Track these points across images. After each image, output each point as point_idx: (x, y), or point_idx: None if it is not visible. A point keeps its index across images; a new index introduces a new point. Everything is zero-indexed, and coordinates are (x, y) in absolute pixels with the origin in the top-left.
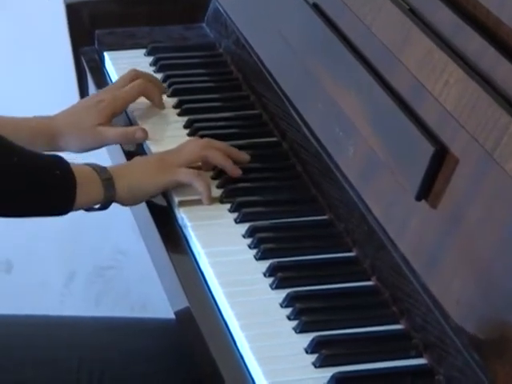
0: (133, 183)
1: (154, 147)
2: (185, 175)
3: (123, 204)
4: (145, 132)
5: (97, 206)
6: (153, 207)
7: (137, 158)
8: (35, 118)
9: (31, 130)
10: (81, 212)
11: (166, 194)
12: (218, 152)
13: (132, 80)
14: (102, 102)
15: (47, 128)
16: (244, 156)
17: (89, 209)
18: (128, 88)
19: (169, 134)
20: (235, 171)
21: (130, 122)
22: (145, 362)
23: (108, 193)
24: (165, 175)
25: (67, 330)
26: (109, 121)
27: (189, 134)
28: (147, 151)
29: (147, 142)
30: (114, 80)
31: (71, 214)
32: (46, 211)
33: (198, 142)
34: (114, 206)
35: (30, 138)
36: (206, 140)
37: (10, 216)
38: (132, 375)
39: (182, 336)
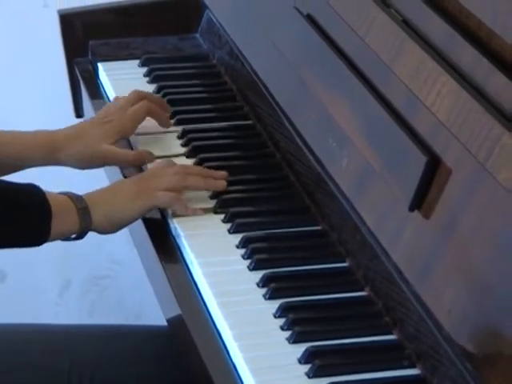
0: (110, 210)
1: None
2: (164, 199)
3: (101, 232)
4: (151, 156)
5: (73, 236)
6: (146, 217)
7: (114, 183)
8: (36, 130)
9: (29, 140)
10: None
11: None
12: (197, 177)
13: (136, 101)
14: (110, 121)
15: (48, 140)
16: (221, 173)
17: (65, 238)
18: (135, 108)
19: (163, 144)
20: (220, 185)
21: None
22: (135, 367)
23: (84, 222)
24: (143, 200)
25: (59, 336)
26: (115, 141)
27: (182, 145)
28: (143, 168)
29: (140, 148)
30: (108, 91)
31: None
32: (20, 243)
33: (175, 170)
34: None
35: (27, 149)
36: (182, 167)
37: None
38: (122, 379)
39: (174, 343)
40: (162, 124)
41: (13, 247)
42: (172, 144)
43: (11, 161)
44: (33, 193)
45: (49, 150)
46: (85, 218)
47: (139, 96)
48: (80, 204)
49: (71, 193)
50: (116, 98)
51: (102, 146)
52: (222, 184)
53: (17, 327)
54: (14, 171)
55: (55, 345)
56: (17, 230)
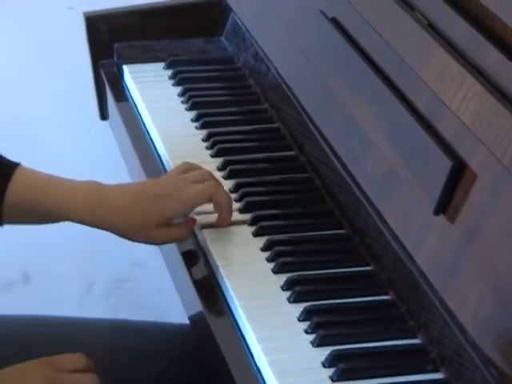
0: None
1: (172, 162)
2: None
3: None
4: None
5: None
6: None
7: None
8: (81, 181)
9: (73, 189)
10: None
11: None
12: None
13: (201, 178)
14: (167, 198)
15: (95, 195)
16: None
17: None
18: (198, 191)
19: (188, 148)
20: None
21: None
22: (155, 363)
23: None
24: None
25: (78, 331)
26: (168, 224)
27: (207, 147)
28: (165, 164)
29: (166, 153)
30: (133, 93)
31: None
32: None
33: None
34: None
35: (69, 201)
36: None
37: None
38: (137, 374)
39: (192, 341)
40: (221, 220)
41: None
42: (198, 147)
43: (46, 211)
44: None
45: (93, 208)
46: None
47: (204, 175)
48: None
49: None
50: (182, 166)
51: (153, 230)
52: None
53: (37, 319)
54: (47, 223)
55: (70, 341)
56: None
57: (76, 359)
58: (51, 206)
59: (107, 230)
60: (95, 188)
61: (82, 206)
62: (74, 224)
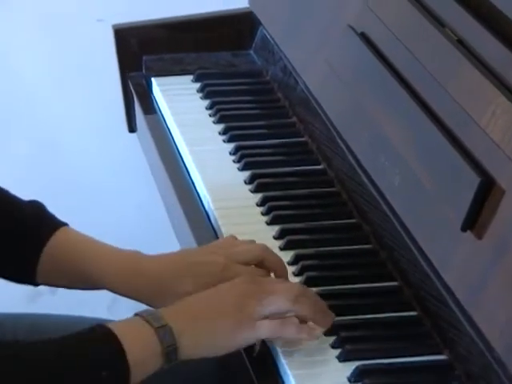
0: (201, 343)
1: (200, 175)
2: (268, 330)
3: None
4: None
5: None
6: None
7: (207, 298)
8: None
9: (112, 255)
10: (124, 235)
11: None
12: (309, 304)
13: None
14: (202, 266)
15: (133, 263)
16: (330, 318)
17: None
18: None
19: (216, 162)
20: (329, 322)
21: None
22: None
23: (168, 362)
24: (243, 331)
25: None
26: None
27: (235, 161)
28: (193, 177)
29: (194, 166)
30: (161, 106)
31: (112, 238)
32: None
33: (291, 292)
34: (157, 226)
35: (107, 267)
36: (298, 290)
37: None
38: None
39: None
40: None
41: None
42: (224, 157)
43: (80, 274)
44: (105, 356)
45: (129, 278)
46: (170, 357)
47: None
48: (168, 341)
49: (152, 316)
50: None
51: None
52: (329, 320)
53: (66, 319)
54: (83, 288)
55: None
56: None
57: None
58: (85, 270)
59: (142, 301)
60: (134, 259)
61: (116, 276)
62: (100, 233)
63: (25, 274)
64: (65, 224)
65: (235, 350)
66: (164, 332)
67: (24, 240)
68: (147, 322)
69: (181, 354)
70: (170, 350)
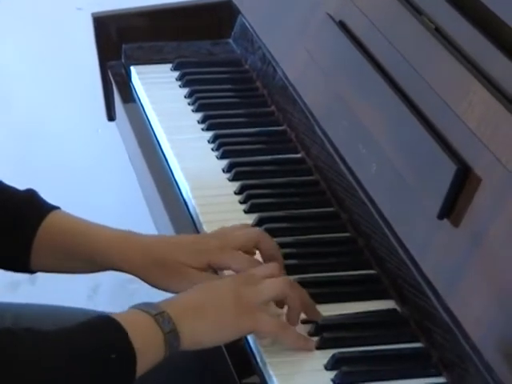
0: (200, 330)
1: (179, 163)
2: (269, 326)
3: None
4: None
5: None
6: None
7: (203, 289)
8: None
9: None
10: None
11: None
12: (299, 295)
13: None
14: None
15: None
16: (318, 315)
17: None
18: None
19: (194, 150)
20: (319, 315)
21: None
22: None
23: (170, 350)
24: (243, 321)
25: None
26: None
27: (214, 149)
28: (171, 165)
29: (172, 155)
30: (140, 94)
31: None
32: None
33: (284, 280)
34: (136, 214)
35: (103, 246)
36: (288, 279)
37: None
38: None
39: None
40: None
41: None
42: (202, 146)
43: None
44: (111, 337)
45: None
46: (171, 344)
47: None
48: (167, 327)
49: (150, 306)
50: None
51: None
52: (320, 316)
53: (48, 309)
54: (80, 271)
55: None
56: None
57: (267, 268)
58: (86, 251)
59: (149, 279)
60: (133, 237)
61: (120, 255)
62: None
63: (19, 261)
64: (57, 207)
65: (238, 337)
66: (163, 318)
67: (17, 226)
68: (144, 311)
69: (183, 342)
70: (172, 337)
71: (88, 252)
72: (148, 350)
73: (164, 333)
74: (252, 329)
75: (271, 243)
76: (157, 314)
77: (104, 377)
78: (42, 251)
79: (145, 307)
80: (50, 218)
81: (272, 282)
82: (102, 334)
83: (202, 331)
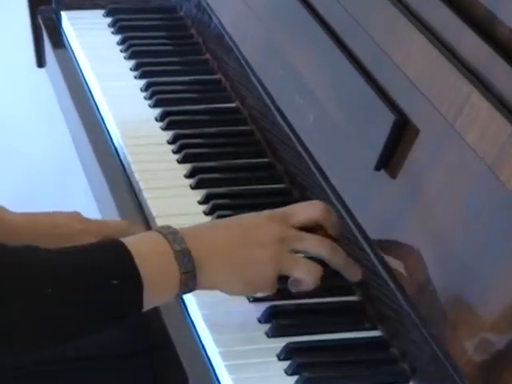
0: (226, 272)
1: (110, 111)
2: (302, 271)
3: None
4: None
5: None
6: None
7: (232, 223)
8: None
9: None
10: (32, 172)
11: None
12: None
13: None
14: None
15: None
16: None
17: None
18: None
19: (127, 98)
20: (358, 273)
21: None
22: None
23: (185, 289)
24: (283, 261)
25: None
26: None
27: (146, 98)
28: (103, 113)
29: (104, 102)
30: (71, 41)
31: (22, 174)
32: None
33: (327, 240)
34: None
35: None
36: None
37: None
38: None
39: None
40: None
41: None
42: (135, 93)
43: None
44: (113, 260)
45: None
46: (188, 285)
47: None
48: (185, 266)
49: (172, 237)
50: None
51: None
52: (360, 275)
53: None
54: None
55: None
56: (100, 317)
57: (308, 214)
58: None
59: None
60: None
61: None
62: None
63: None
64: None
65: (264, 287)
66: (183, 256)
67: None
68: (168, 240)
69: (200, 283)
70: (189, 277)
71: None
72: (160, 285)
73: (181, 272)
74: (288, 271)
75: (335, 221)
76: (179, 250)
77: (104, 294)
78: None
79: (169, 236)
80: None
81: (314, 236)
82: (101, 253)
83: (225, 271)
